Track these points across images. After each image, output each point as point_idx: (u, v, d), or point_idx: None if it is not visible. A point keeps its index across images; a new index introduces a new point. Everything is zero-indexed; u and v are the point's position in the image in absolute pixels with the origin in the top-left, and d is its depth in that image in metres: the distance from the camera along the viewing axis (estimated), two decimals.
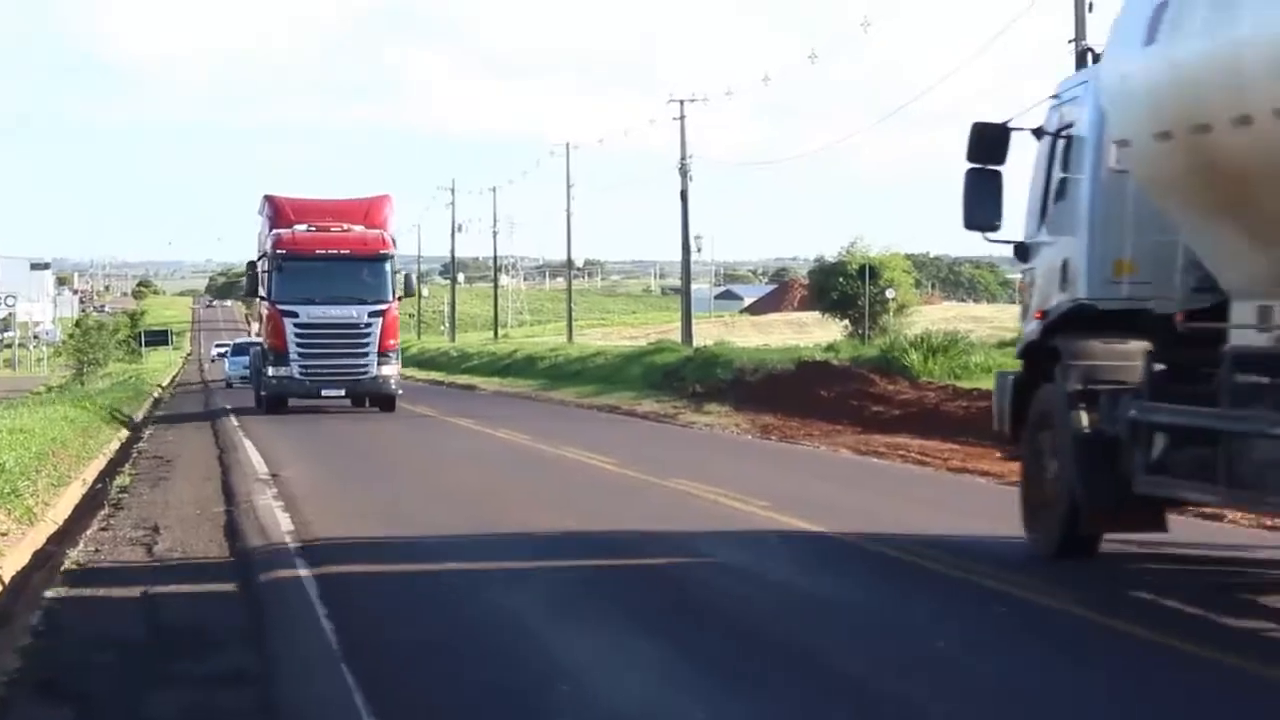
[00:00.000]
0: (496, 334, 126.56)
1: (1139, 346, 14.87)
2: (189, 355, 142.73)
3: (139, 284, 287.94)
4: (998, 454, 21.92)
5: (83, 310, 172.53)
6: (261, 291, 44.69)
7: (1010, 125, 16.51)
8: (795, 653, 11.63)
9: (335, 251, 43.22)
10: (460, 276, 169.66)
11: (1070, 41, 35.83)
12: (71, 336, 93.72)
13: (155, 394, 63.53)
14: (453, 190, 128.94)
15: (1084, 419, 14.95)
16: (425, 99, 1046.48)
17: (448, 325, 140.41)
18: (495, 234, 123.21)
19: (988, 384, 24.22)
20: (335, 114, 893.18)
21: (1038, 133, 16.55)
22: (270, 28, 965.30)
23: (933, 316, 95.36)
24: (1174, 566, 15.39)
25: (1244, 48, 12.40)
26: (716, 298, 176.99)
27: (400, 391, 44.90)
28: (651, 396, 49.22)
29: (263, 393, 44.34)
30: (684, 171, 74.68)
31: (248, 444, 32.07)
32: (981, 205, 16.47)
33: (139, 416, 45.33)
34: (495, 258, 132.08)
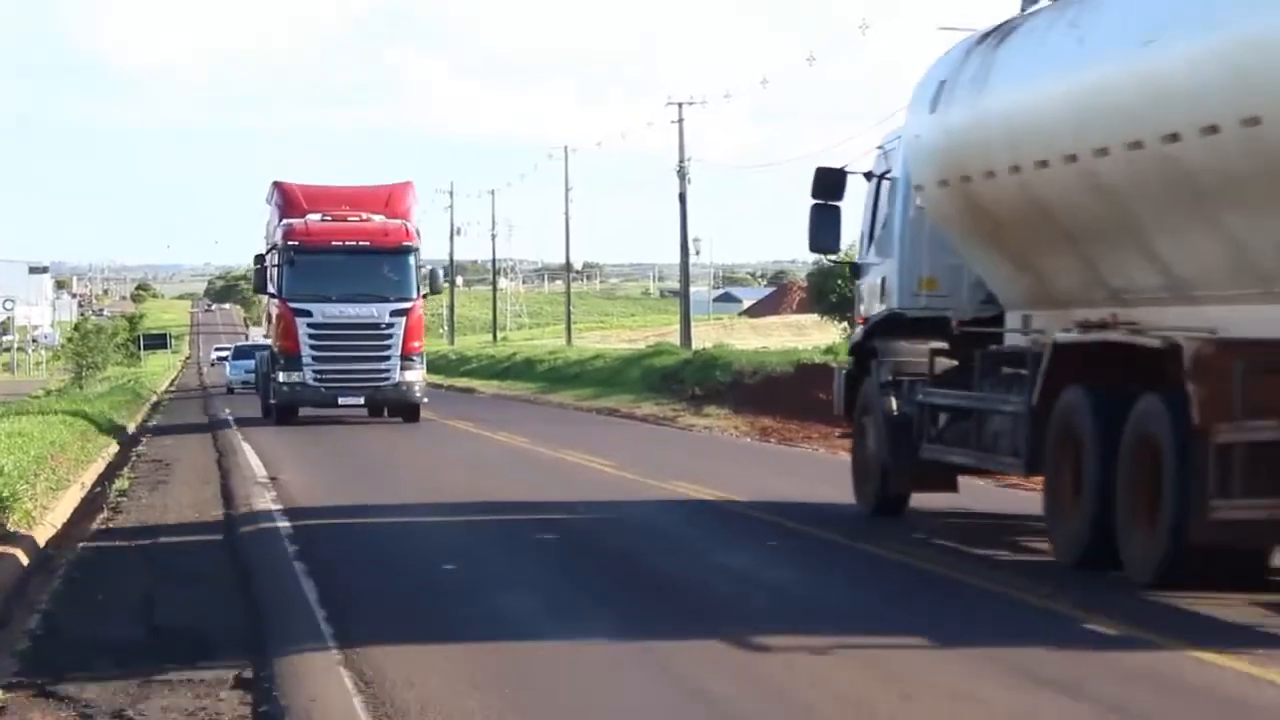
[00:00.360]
0: (495, 337, 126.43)
1: (935, 346, 18.48)
2: (188, 359, 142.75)
3: (137, 287, 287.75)
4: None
5: (81, 314, 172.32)
6: (270, 288, 40.51)
7: (847, 169, 20.20)
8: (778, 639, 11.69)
9: (353, 243, 39.22)
10: (459, 279, 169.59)
11: None
12: (70, 340, 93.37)
13: (153, 399, 63.43)
14: (451, 193, 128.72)
15: (892, 403, 18.73)
16: (424, 101, 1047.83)
17: (446, 328, 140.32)
18: (494, 237, 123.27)
19: None
20: (335, 116, 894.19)
21: (868, 175, 20.03)
22: (270, 29, 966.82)
23: None
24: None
25: (988, 117, 16.19)
26: (715, 300, 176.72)
27: (425, 399, 40.95)
28: (650, 399, 49.22)
29: (272, 400, 40.38)
30: (682, 174, 74.60)
31: (246, 448, 32.05)
32: (824, 233, 20.24)
33: (133, 427, 42.32)
34: (494, 260, 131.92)
